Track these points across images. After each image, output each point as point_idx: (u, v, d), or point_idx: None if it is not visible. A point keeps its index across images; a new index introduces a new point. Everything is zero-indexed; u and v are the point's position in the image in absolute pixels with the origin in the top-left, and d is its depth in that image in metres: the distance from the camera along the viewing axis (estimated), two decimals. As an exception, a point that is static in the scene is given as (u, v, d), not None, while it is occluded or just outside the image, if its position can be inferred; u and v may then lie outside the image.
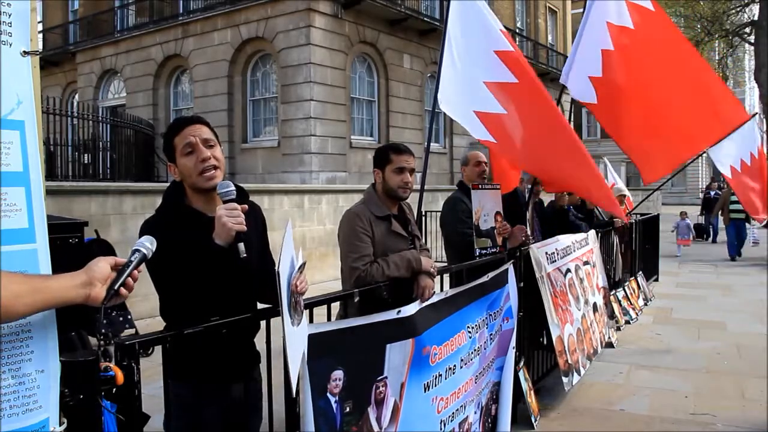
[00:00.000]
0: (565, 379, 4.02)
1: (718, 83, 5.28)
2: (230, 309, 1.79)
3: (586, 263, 4.96)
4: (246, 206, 1.74)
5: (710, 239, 15.91)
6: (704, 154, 7.05)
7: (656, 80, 4.56)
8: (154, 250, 1.43)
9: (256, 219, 2.00)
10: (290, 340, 1.71)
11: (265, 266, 2.00)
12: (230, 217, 1.66)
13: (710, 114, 5.01)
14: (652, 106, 4.54)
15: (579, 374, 4.23)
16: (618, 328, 5.82)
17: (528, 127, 3.70)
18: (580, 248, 4.91)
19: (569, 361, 4.10)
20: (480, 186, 3.51)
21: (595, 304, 5.00)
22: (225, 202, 1.72)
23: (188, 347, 1.74)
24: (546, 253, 4.15)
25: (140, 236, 1.77)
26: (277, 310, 1.97)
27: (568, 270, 4.51)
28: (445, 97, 3.62)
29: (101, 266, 1.31)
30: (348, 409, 2.11)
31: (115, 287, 1.29)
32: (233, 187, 1.75)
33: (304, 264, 1.79)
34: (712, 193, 16.83)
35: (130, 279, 1.33)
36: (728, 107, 5.29)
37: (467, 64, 3.67)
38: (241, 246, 1.66)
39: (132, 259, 1.37)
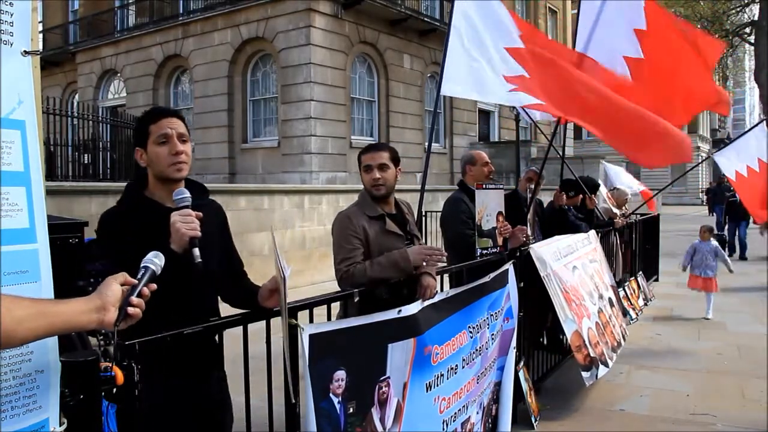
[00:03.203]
0: (585, 374, 3.88)
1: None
2: (188, 307, 1.80)
3: (592, 261, 4.97)
4: (200, 213, 1.75)
5: (737, 255, 12.17)
6: (707, 159, 7.07)
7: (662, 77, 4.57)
8: (162, 265, 1.44)
9: (217, 218, 2.03)
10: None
11: (230, 265, 2.05)
12: (184, 223, 1.69)
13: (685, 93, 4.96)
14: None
15: (607, 366, 4.15)
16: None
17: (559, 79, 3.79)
18: (583, 246, 4.91)
19: (591, 355, 4.00)
20: (484, 186, 3.51)
21: (610, 299, 5.02)
22: (180, 208, 1.74)
23: (154, 346, 1.74)
24: (549, 251, 4.15)
25: (99, 227, 1.82)
26: (275, 311, 1.98)
27: (575, 267, 4.50)
28: (451, 82, 3.62)
29: (114, 288, 1.28)
30: (351, 410, 2.11)
31: (126, 308, 1.27)
32: (188, 194, 1.77)
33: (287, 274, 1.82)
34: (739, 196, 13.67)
35: (141, 299, 1.32)
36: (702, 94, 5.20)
37: (484, 41, 3.74)
38: (196, 251, 1.68)
39: (140, 277, 1.36)
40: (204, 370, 1.93)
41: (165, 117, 1.85)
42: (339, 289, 2.60)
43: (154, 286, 1.39)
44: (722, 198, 16.18)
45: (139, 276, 1.37)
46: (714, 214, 15.15)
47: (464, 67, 3.67)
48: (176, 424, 1.82)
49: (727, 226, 12.83)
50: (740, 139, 6.99)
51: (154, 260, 1.43)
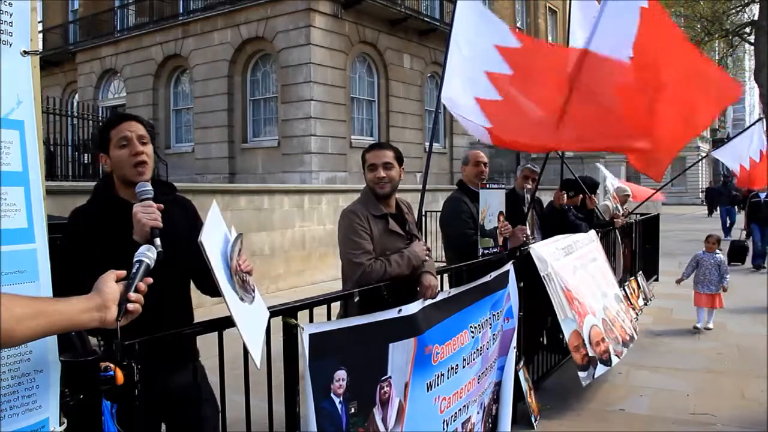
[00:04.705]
0: (582, 374, 3.88)
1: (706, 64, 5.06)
2: (155, 300, 1.79)
3: (594, 260, 4.98)
4: (162, 205, 1.78)
5: (763, 264, 10.34)
6: (706, 157, 7.24)
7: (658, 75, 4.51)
8: (155, 258, 1.47)
9: (186, 213, 2.08)
10: (237, 312, 1.67)
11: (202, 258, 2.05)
12: (145, 214, 1.72)
13: (702, 97, 4.83)
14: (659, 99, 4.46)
15: (609, 364, 4.13)
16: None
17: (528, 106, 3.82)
18: (584, 246, 4.92)
19: (590, 354, 3.98)
20: (487, 186, 3.52)
21: (616, 295, 5.06)
22: (141, 200, 1.78)
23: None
24: (549, 251, 4.15)
25: (69, 223, 1.86)
26: (276, 311, 1.98)
27: (576, 266, 4.50)
28: (449, 95, 3.64)
29: (111, 285, 1.29)
30: (353, 410, 2.11)
31: (125, 305, 1.28)
32: (150, 187, 1.82)
33: (239, 237, 1.78)
34: (763, 195, 10.83)
35: (139, 294, 1.33)
36: (719, 86, 5.09)
37: (471, 56, 3.76)
38: (157, 241, 1.69)
39: (134, 271, 1.38)
40: (179, 363, 1.93)
41: (124, 121, 1.91)
42: (339, 288, 2.60)
43: (150, 279, 1.40)
44: (727, 198, 15.95)
45: (134, 271, 1.38)
46: (716, 215, 15.01)
47: (459, 81, 3.70)
48: (150, 418, 1.81)
49: (751, 236, 11.05)
50: (738, 137, 7.26)
51: (147, 253, 1.44)
